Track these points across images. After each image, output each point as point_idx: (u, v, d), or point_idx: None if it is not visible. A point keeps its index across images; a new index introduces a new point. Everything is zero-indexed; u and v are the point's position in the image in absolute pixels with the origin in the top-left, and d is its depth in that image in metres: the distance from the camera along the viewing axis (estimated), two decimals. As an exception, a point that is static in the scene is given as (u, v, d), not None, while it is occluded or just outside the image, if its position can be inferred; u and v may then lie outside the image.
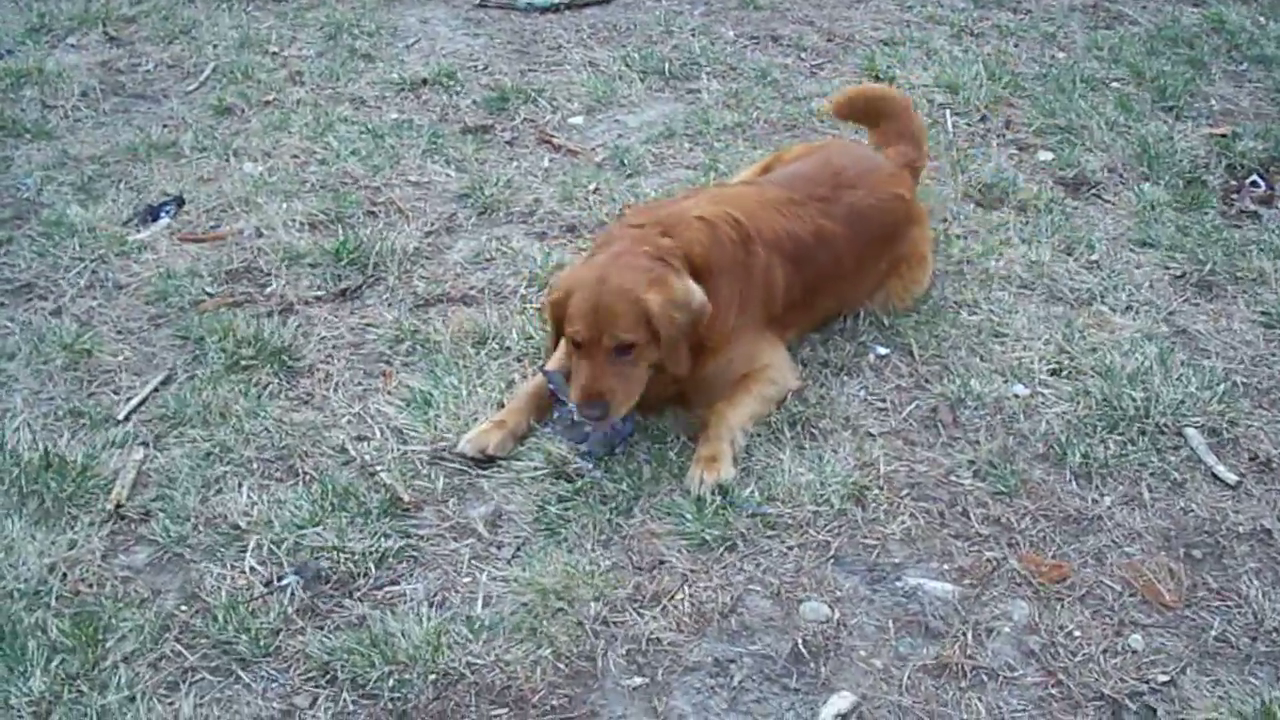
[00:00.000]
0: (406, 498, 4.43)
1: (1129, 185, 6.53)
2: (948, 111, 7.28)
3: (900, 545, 4.31)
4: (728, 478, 4.46)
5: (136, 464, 4.58)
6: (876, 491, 4.50)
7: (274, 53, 8.07)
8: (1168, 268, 5.83)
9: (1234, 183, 6.63)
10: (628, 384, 4.54)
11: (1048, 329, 5.35)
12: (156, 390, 5.00)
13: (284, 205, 6.25)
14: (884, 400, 4.96)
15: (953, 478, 4.59)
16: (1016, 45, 8.19)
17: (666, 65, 7.80)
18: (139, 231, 6.08)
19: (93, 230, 6.02)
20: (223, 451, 4.66)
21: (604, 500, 4.43)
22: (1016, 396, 4.96)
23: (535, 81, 7.64)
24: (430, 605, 4.03)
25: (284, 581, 4.10)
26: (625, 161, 6.72)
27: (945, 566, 4.23)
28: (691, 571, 4.17)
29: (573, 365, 4.60)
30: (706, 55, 7.95)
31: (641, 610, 4.02)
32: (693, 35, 8.25)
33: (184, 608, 4.04)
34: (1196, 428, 4.81)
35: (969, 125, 7.17)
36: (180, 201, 6.30)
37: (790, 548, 4.27)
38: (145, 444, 4.71)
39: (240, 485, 4.50)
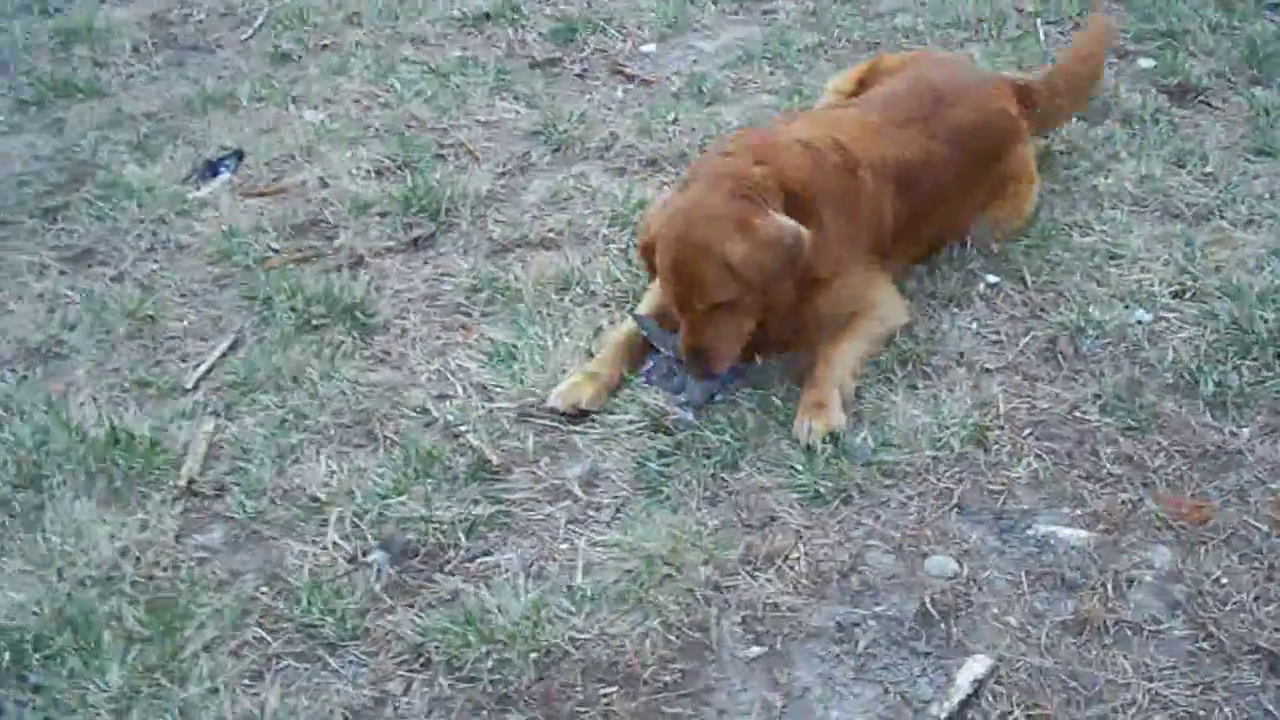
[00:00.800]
0: (495, 460, 4.19)
1: (1238, 90, 6.20)
2: (1038, 21, 7.00)
3: (1027, 490, 4.02)
4: (838, 424, 4.19)
5: (207, 435, 4.38)
6: (998, 432, 4.21)
7: (329, -6, 7.90)
8: (1288, 177, 5.51)
9: (1351, 82, 6.26)
10: (728, 336, 4.29)
11: (1166, 249, 5.04)
12: (224, 356, 4.81)
13: (348, 153, 6.08)
14: (998, 333, 4.67)
15: (1078, 414, 4.29)
16: (1105, -53, 7.83)
17: (739, -15, 7.55)
18: (198, 188, 5.93)
19: (151, 190, 5.86)
20: (297, 418, 4.45)
21: (707, 454, 4.17)
22: (1139, 323, 4.66)
23: (603, 9, 7.44)
24: (527, 576, 3.79)
25: (369, 557, 3.88)
26: (703, 89, 6.49)
27: (1078, 511, 3.94)
28: (806, 528, 3.91)
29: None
30: (781, -28, 7.66)
31: (755, 573, 3.76)
32: (763, -47, 7.95)
33: (264, 589, 3.82)
34: (1336, 350, 4.50)
35: (1063, 34, 6.88)
36: (240, 155, 6.16)
37: (910, 497, 4.01)
38: (215, 414, 4.51)
39: (318, 454, 4.29)
